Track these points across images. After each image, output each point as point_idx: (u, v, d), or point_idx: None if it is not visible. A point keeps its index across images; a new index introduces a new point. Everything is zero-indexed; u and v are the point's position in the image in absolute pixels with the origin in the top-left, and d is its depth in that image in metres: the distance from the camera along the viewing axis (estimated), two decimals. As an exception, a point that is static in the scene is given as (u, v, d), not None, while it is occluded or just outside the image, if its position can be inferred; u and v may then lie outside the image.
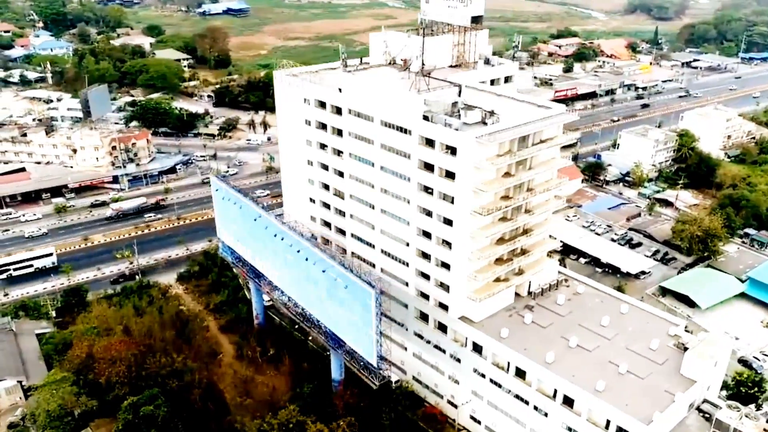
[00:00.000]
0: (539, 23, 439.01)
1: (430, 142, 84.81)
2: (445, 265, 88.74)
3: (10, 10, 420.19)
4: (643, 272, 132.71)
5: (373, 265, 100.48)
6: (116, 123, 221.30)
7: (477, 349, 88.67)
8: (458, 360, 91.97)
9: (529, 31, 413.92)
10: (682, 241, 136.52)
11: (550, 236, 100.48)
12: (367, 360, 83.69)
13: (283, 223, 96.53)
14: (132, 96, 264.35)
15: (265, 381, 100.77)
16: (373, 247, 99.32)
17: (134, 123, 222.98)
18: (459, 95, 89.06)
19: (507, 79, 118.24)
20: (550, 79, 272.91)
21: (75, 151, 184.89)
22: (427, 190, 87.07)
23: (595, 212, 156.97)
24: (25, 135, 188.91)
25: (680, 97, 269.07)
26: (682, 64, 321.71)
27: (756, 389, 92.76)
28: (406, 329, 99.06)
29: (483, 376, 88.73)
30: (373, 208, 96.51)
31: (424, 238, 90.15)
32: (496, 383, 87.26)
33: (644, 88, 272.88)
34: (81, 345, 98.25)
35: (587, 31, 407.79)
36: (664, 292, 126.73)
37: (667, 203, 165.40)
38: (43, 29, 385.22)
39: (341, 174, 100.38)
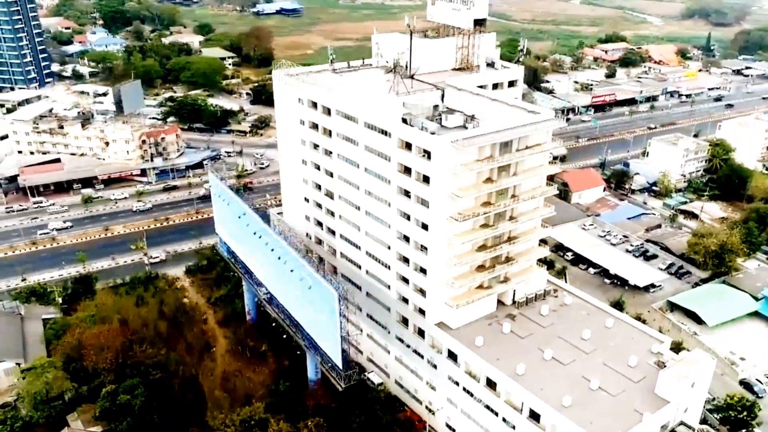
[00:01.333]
0: (591, 27, 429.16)
1: (407, 146, 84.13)
2: (423, 270, 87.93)
3: (75, 8, 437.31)
4: (653, 285, 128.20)
5: (360, 267, 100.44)
6: (154, 118, 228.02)
7: (452, 356, 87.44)
8: (435, 366, 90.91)
9: (579, 35, 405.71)
10: (696, 255, 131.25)
11: (541, 243, 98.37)
12: (333, 361, 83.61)
13: (264, 220, 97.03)
14: (174, 92, 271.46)
15: (250, 376, 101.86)
16: (359, 248, 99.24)
17: (171, 118, 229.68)
18: (442, 99, 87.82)
19: (512, 84, 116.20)
20: (590, 85, 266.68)
21: (107, 144, 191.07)
22: (406, 193, 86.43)
23: (614, 222, 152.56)
24: (62, 127, 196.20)
25: (726, 105, 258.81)
26: (733, 71, 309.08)
27: (746, 413, 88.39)
28: (389, 332, 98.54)
29: (457, 384, 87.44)
30: (359, 209, 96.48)
31: (403, 242, 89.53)
32: (468, 392, 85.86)
33: (688, 96, 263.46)
34: (74, 332, 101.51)
35: (639, 36, 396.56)
36: (673, 307, 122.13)
37: (692, 215, 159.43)
38: (102, 27, 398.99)
39: (331, 174, 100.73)
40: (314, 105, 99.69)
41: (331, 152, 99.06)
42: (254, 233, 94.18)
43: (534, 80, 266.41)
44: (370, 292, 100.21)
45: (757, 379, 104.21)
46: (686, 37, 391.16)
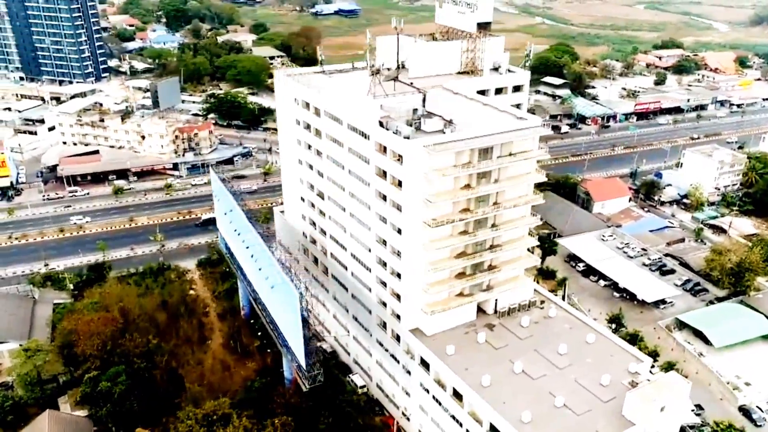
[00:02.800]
0: (651, 33, 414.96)
1: (384, 149, 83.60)
2: (398, 275, 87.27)
3: (141, 7, 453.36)
4: (663, 301, 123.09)
5: (346, 268, 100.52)
6: (196, 114, 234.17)
7: (424, 363, 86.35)
8: (409, 372, 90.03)
9: (637, 40, 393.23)
10: (712, 271, 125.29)
11: (529, 252, 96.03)
12: (298, 360, 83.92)
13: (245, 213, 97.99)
14: (220, 89, 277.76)
15: (233, 372, 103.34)
16: (346, 249, 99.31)
17: (212, 115, 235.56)
18: (423, 102, 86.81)
19: (517, 88, 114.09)
20: (637, 91, 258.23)
21: (143, 137, 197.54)
22: (383, 196, 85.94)
23: (635, 233, 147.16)
24: (102, 120, 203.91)
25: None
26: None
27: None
28: (371, 335, 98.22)
29: (427, 391, 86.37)
30: (345, 210, 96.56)
31: (381, 245, 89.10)
32: (437, 401, 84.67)
33: (739, 106, 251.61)
34: (70, 318, 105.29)
35: (700, 42, 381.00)
36: (682, 325, 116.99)
37: (721, 230, 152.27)
38: (164, 25, 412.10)
39: (321, 174, 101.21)
40: (307, 105, 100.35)
41: (321, 152, 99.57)
42: (234, 230, 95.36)
43: (578, 85, 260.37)
44: (354, 294, 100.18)
45: (757, 407, 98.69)
46: (750, 44, 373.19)
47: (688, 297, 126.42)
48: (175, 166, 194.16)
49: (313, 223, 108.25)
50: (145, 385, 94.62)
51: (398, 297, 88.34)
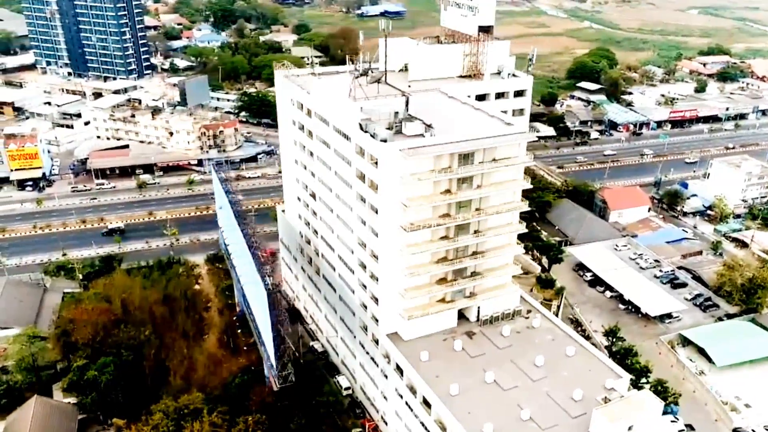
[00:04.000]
0: (701, 39, 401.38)
1: (362, 151, 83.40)
2: (376, 278, 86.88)
3: (191, 6, 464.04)
4: (670, 316, 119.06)
5: (334, 269, 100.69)
6: (228, 112, 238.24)
7: (399, 369, 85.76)
8: (386, 376, 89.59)
9: (685, 46, 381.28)
10: (723, 286, 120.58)
11: (515, 262, 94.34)
12: (270, 359, 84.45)
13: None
14: (255, 88, 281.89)
15: (227, 367, 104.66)
16: (333, 250, 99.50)
17: (243, 113, 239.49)
18: (406, 106, 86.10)
19: (520, 93, 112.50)
20: (675, 99, 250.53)
21: (171, 134, 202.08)
22: (362, 199, 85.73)
23: (650, 244, 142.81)
24: (134, 116, 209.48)
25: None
26: None
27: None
28: (354, 337, 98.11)
29: (401, 397, 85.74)
30: (332, 211, 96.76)
31: (361, 248, 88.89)
32: (409, 407, 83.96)
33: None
34: (69, 307, 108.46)
35: (752, 49, 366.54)
36: (687, 341, 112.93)
37: (743, 244, 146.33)
38: (212, 24, 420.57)
39: (313, 175, 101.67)
40: (301, 106, 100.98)
41: (313, 153, 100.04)
42: (227, 227, 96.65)
43: (614, 91, 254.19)
44: (342, 296, 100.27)
45: (753, 430, 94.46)
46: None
47: (697, 312, 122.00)
48: (200, 163, 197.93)
49: (308, 223, 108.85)
50: (131, 377, 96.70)
51: (376, 300, 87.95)
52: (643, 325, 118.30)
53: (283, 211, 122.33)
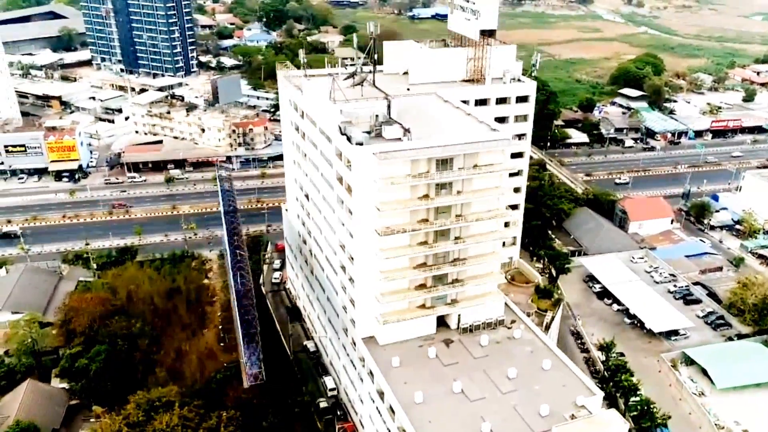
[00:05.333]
0: (762, 46, 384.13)
1: (340, 154, 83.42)
2: (353, 280, 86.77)
3: (245, 6, 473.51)
4: (676, 333, 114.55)
5: (323, 269, 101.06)
6: (265, 110, 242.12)
7: (371, 372, 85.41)
8: (362, 380, 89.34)
9: (744, 53, 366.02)
10: (735, 305, 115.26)
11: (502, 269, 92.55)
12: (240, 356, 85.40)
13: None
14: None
15: (220, 362, 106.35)
16: (322, 251, 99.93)
17: (279, 111, 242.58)
18: (388, 109, 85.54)
19: (522, 99, 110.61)
20: (720, 108, 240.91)
21: (203, 130, 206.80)
22: (341, 201, 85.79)
23: (669, 258, 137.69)
24: (169, 113, 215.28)
25: None
26: None
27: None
28: (339, 339, 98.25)
29: (373, 401, 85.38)
30: (320, 212, 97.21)
31: (341, 249, 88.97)
32: (379, 412, 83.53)
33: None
34: (73, 296, 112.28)
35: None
36: (690, 360, 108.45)
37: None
38: (264, 24, 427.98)
39: (306, 175, 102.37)
40: (296, 107, 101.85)
41: (306, 154, 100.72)
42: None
43: (657, 99, 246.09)
44: (329, 297, 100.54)
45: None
46: None
47: (707, 331, 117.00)
48: (228, 159, 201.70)
49: (303, 224, 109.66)
50: (123, 366, 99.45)
51: (353, 303, 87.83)
52: (648, 341, 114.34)
53: (287, 210, 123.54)
